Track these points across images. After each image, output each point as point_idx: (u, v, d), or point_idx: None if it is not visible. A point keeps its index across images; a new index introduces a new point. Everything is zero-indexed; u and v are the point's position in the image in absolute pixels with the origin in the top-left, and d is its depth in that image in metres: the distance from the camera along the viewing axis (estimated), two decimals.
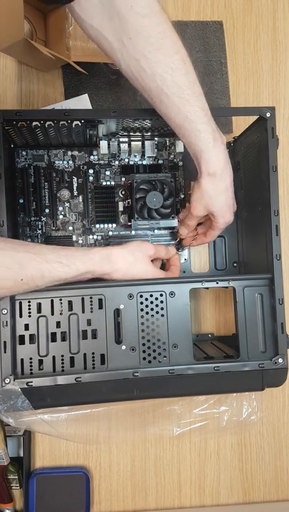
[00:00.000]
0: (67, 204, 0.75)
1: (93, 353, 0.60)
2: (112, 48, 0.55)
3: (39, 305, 0.59)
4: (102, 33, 0.54)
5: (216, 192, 0.62)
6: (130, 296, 0.60)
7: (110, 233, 0.76)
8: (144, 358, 0.60)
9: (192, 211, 0.66)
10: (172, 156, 0.77)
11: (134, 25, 0.52)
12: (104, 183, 0.76)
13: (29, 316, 0.59)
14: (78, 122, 0.63)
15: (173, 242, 0.77)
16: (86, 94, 0.78)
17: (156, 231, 0.77)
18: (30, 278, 0.53)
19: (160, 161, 0.77)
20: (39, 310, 0.59)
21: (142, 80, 0.56)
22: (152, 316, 0.61)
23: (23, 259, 0.53)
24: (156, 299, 0.61)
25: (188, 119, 0.57)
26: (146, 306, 0.61)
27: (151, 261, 0.65)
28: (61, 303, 0.60)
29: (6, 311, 0.57)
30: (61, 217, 0.75)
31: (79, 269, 0.56)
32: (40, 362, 0.59)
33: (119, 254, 0.61)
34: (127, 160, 0.76)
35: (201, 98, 0.58)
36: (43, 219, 0.74)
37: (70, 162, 0.75)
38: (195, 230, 0.72)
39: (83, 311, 0.60)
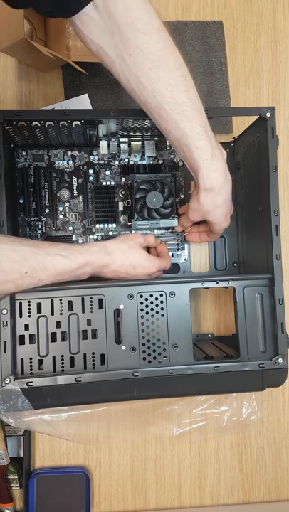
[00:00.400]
0: (67, 204, 0.75)
1: (93, 353, 0.60)
2: (113, 63, 0.54)
3: (39, 305, 0.59)
4: (102, 48, 0.53)
5: (213, 205, 0.63)
6: (130, 296, 0.60)
7: (110, 233, 0.76)
8: (144, 358, 0.60)
9: (189, 216, 0.67)
10: (172, 156, 0.77)
11: (134, 42, 0.52)
12: (104, 183, 0.76)
13: (29, 316, 0.59)
14: (78, 122, 0.63)
15: (176, 242, 0.78)
16: (86, 94, 0.78)
17: (156, 231, 0.77)
18: (34, 270, 0.54)
19: (160, 161, 0.77)
20: (39, 310, 0.59)
21: (141, 96, 0.56)
22: (152, 316, 0.61)
23: (25, 252, 0.54)
24: (156, 299, 0.61)
25: (186, 136, 0.57)
26: (147, 306, 0.61)
27: None
28: (61, 303, 0.60)
29: (6, 311, 0.57)
30: (61, 217, 0.75)
31: (79, 260, 0.57)
32: (40, 362, 0.59)
33: (114, 244, 0.62)
34: (127, 160, 0.76)
35: (200, 114, 0.57)
36: (43, 219, 0.74)
37: (70, 162, 0.75)
38: (195, 227, 0.74)
39: (83, 311, 0.60)
